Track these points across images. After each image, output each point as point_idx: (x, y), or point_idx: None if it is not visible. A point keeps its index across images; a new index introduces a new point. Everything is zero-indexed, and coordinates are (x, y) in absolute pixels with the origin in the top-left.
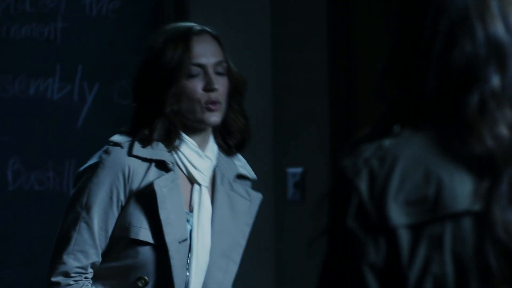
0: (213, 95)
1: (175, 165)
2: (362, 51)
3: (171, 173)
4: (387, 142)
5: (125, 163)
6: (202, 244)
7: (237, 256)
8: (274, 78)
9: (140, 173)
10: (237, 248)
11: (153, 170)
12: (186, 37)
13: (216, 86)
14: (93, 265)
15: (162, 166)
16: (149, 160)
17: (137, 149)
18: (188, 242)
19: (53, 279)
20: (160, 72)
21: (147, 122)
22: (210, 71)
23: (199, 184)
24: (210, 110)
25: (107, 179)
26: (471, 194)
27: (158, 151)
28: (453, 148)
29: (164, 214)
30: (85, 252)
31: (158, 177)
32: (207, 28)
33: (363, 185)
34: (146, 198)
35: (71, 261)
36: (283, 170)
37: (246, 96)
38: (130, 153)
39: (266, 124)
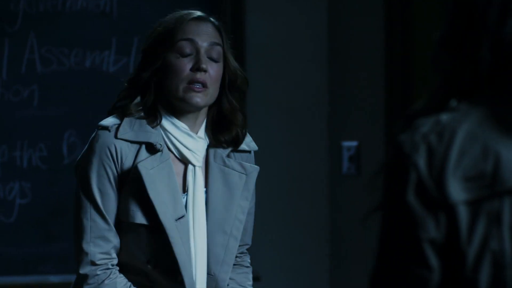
0: (199, 75)
1: (164, 146)
2: (419, 22)
3: (159, 154)
4: (444, 117)
5: (112, 143)
6: (198, 224)
7: (237, 232)
8: (330, 51)
9: (130, 156)
10: (236, 223)
11: (143, 152)
12: (182, 18)
13: (204, 66)
14: (116, 250)
15: (151, 147)
16: (137, 143)
17: (123, 132)
18: (186, 219)
19: (81, 271)
20: (149, 47)
21: (131, 96)
22: (202, 51)
23: (193, 165)
24: (193, 90)
25: (99, 163)
26: None
27: (144, 132)
28: (510, 122)
29: (155, 195)
30: (103, 237)
31: (145, 158)
32: (209, 16)
33: (421, 161)
34: (137, 181)
35: (92, 249)
36: (338, 143)
37: (302, 70)
38: (116, 136)
39: (322, 97)
